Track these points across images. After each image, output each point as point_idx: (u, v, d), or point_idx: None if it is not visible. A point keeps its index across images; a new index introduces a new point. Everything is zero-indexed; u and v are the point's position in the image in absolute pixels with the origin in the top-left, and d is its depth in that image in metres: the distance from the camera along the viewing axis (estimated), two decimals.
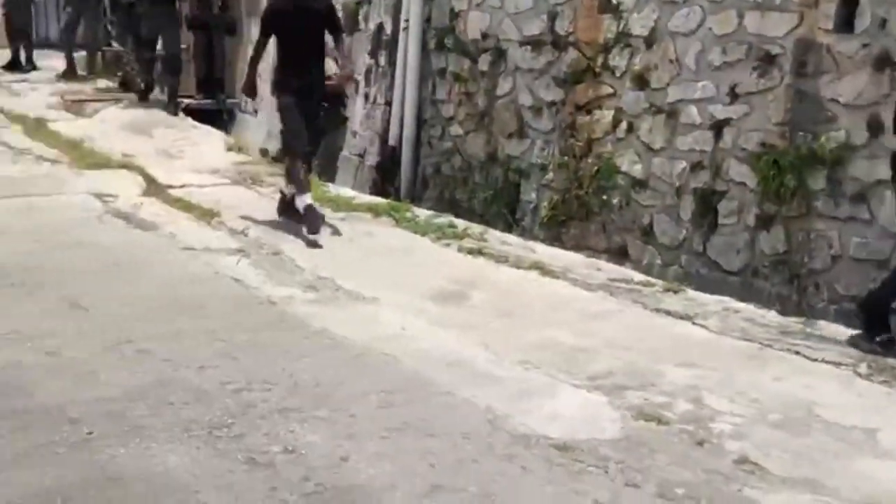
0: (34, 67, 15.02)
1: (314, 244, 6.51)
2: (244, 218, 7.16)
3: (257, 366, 4.53)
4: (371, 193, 8.54)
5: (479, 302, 5.62)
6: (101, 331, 4.95)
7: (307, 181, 6.91)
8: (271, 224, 7.07)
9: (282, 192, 7.12)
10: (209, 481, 3.48)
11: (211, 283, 5.84)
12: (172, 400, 4.14)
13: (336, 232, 6.82)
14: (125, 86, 12.46)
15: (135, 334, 4.89)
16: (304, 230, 6.62)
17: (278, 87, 6.94)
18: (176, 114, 11.15)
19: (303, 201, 6.73)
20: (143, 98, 11.65)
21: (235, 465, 3.60)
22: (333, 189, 8.40)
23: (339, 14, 9.78)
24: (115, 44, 14.42)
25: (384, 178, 9.03)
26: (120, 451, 3.69)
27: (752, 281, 6.22)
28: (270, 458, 3.66)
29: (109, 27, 14.35)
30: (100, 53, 14.30)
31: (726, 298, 5.64)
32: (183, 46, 11.55)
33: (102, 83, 13.75)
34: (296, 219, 6.80)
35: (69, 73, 14.01)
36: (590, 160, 7.29)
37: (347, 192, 8.34)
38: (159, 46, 11.50)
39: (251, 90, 7.36)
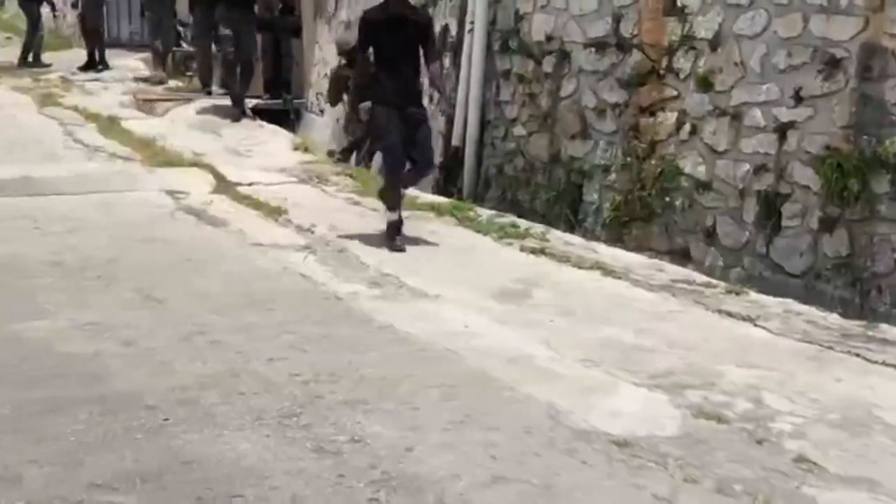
0: (107, 67, 15.38)
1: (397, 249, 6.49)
2: (311, 216, 7.31)
3: (324, 358, 4.66)
4: (434, 193, 8.65)
5: (541, 301, 5.70)
6: (174, 322, 5.11)
7: (400, 196, 6.73)
8: (337, 221, 7.22)
9: (388, 221, 6.79)
10: (279, 467, 3.61)
11: (279, 278, 5.99)
12: (243, 390, 4.29)
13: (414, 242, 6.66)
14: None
15: (207, 326, 5.05)
16: (386, 245, 6.55)
17: (375, 102, 6.71)
18: (239, 120, 11.16)
19: (390, 217, 6.68)
20: (239, 102, 11.49)
21: (304, 453, 3.73)
22: None
23: None
24: (184, 45, 14.70)
25: (447, 179, 9.14)
26: (194, 437, 3.83)
27: (815, 284, 6.22)
28: (338, 447, 3.78)
29: (181, 29, 14.62)
30: (170, 54, 14.54)
31: (788, 301, 5.66)
32: None
33: (173, 83, 14.06)
34: (392, 243, 6.62)
35: (159, 73, 14.22)
36: (653, 162, 7.33)
37: (411, 191, 8.45)
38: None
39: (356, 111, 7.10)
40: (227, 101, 11.70)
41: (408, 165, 6.79)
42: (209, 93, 12.40)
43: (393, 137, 6.62)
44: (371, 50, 6.69)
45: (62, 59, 16.64)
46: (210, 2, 11.12)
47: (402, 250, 6.47)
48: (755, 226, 6.62)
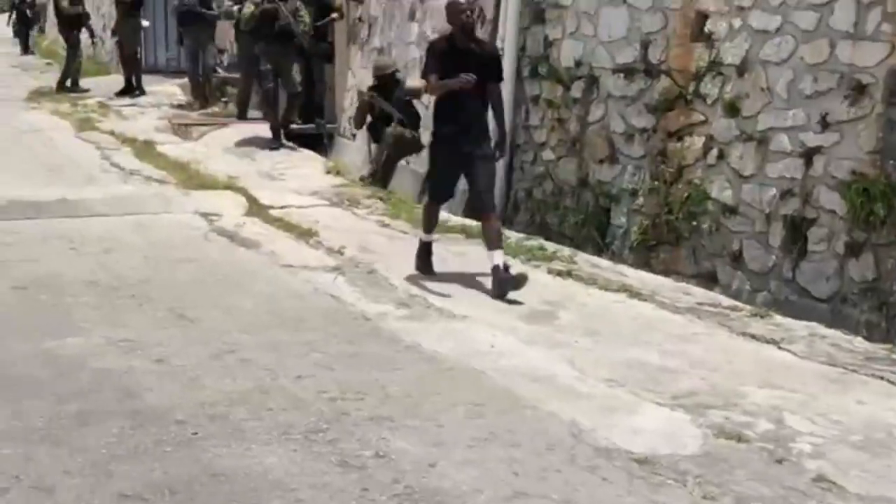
0: (143, 93, 15.63)
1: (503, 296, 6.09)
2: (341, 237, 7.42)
3: (351, 376, 4.74)
4: (464, 216, 8.72)
5: (568, 322, 5.76)
6: (205, 340, 5.22)
7: (499, 235, 6.42)
8: (367, 243, 7.32)
9: (420, 240, 6.72)
10: (305, 480, 3.69)
11: (309, 298, 6.09)
12: (271, 406, 4.38)
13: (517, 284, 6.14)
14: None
15: (237, 344, 5.15)
16: (492, 290, 6.18)
17: (435, 136, 6.60)
18: (277, 149, 11.18)
19: (423, 237, 6.66)
20: (278, 134, 11.44)
21: (329, 467, 3.81)
22: None
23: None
24: (220, 71, 14.91)
25: None
26: (222, 451, 3.93)
27: (842, 308, 6.23)
28: (362, 462, 3.85)
29: (217, 56, 14.82)
30: (207, 80, 14.73)
31: (813, 324, 5.68)
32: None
33: (208, 108, 14.26)
34: (422, 263, 6.60)
35: (199, 101, 14.36)
36: (680, 186, 7.38)
37: (441, 213, 8.54)
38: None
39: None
40: (261, 126, 11.88)
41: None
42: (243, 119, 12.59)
43: (443, 176, 6.58)
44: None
45: (100, 84, 16.96)
46: (251, 34, 11.18)
47: (431, 273, 6.53)
48: (782, 250, 6.64)
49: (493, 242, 6.31)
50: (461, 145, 6.34)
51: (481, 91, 6.33)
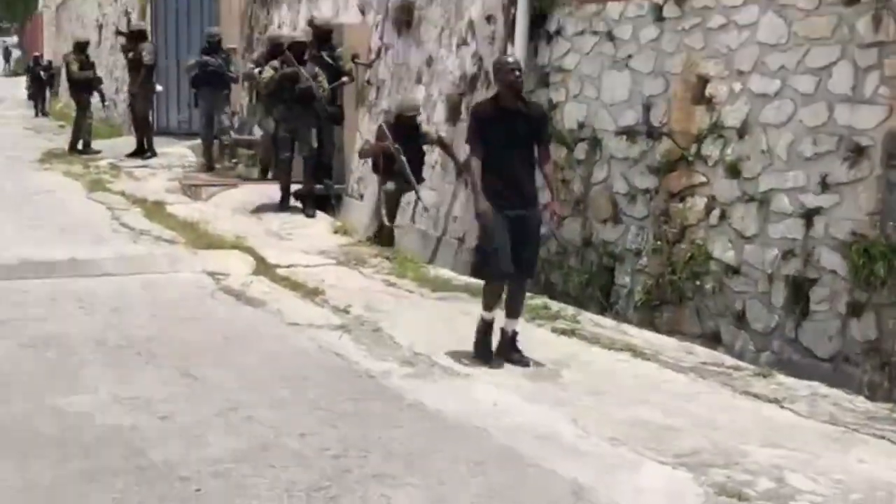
0: (154, 154, 15.79)
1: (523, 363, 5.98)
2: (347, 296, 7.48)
3: (355, 434, 4.78)
4: (469, 275, 8.79)
5: (571, 380, 5.79)
6: (210, 398, 5.27)
7: (522, 305, 6.23)
8: (373, 302, 7.38)
9: (482, 319, 6.19)
10: None
11: (314, 356, 6.14)
12: (275, 463, 4.41)
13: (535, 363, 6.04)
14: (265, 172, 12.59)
15: (242, 402, 5.19)
16: (513, 360, 6.03)
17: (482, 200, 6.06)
18: (313, 215, 11.08)
19: (485, 315, 6.12)
20: (286, 199, 11.38)
21: None
22: (433, 270, 8.71)
23: (444, 104, 10.27)
24: (232, 133, 15.05)
25: (482, 261, 9.26)
26: None
27: (844, 367, 6.25)
28: None
29: (228, 117, 14.96)
30: (217, 141, 14.87)
31: (815, 383, 5.72)
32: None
33: (218, 166, 14.42)
34: (482, 349, 6.15)
35: (211, 162, 14.38)
36: (683, 246, 7.44)
37: (446, 272, 8.64)
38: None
39: (483, 203, 5.94)
40: (271, 186, 11.99)
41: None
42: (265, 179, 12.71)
43: (498, 241, 5.99)
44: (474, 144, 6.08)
45: (113, 146, 17.19)
46: (270, 97, 11.16)
47: (490, 359, 6.02)
48: (784, 310, 6.68)
49: (515, 311, 6.16)
50: (511, 209, 5.97)
51: (529, 152, 6.09)
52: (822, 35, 6.45)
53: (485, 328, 6.14)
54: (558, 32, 8.85)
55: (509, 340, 6.12)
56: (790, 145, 6.68)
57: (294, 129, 11.06)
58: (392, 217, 10.15)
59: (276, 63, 11.08)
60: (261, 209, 11.43)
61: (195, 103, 15.00)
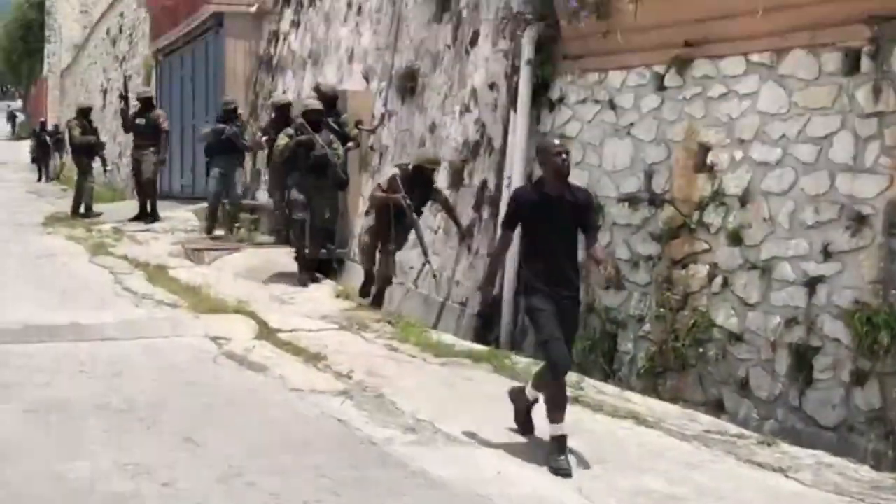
0: (157, 219, 15.85)
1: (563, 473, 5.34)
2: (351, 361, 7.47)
3: (357, 502, 4.75)
4: (472, 341, 8.80)
5: (575, 448, 5.75)
6: (212, 464, 5.24)
7: (565, 401, 5.61)
8: (375, 367, 7.37)
9: (526, 396, 5.93)
10: None
11: (316, 422, 6.12)
12: None
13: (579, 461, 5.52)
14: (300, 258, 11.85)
15: (244, 468, 5.16)
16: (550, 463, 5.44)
17: (527, 289, 5.78)
18: (307, 285, 10.93)
19: (554, 430, 5.55)
20: (308, 272, 11.17)
21: None
22: (435, 335, 8.71)
23: (447, 170, 10.34)
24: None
25: (485, 326, 9.29)
26: None
27: (849, 437, 6.22)
28: None
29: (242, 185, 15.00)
30: (220, 205, 14.93)
31: (819, 452, 5.69)
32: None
33: (220, 233, 14.49)
34: (524, 427, 5.92)
35: (209, 229, 14.31)
36: (686, 313, 7.45)
37: (449, 338, 8.64)
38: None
39: (490, 285, 6.02)
40: (274, 250, 12.03)
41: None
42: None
43: (552, 328, 5.57)
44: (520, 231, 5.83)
45: (115, 209, 17.27)
46: (285, 164, 11.05)
47: (568, 474, 5.31)
48: (788, 378, 6.67)
49: (557, 410, 5.53)
50: (557, 293, 5.61)
51: (574, 241, 5.75)
52: (823, 105, 6.53)
53: (558, 444, 5.46)
54: (561, 100, 8.97)
55: (559, 448, 5.46)
56: (792, 213, 6.72)
57: (310, 196, 10.91)
58: (386, 279, 10.06)
59: (290, 130, 10.97)
60: (263, 273, 11.47)
61: (207, 171, 14.85)
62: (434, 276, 9.91)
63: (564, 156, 5.69)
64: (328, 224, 11.92)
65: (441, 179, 10.38)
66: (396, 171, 9.91)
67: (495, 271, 5.82)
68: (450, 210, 9.90)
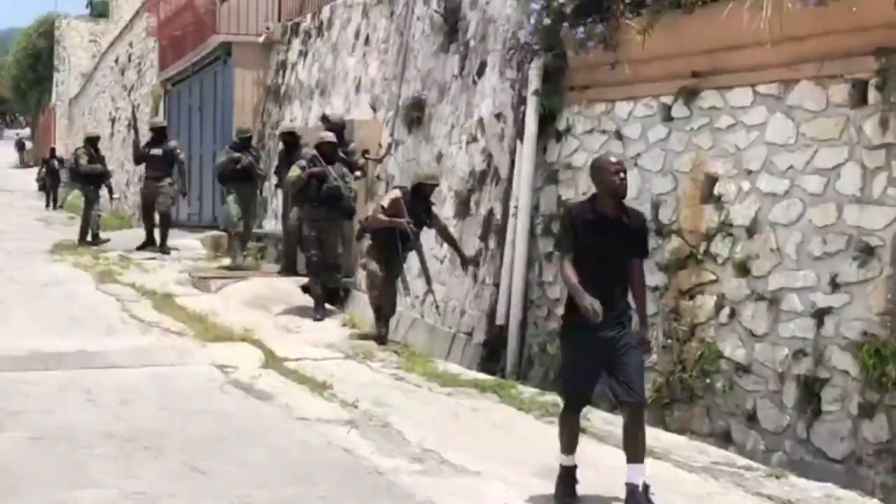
0: (168, 251, 15.58)
1: None
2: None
3: None
4: (478, 370, 8.78)
5: (582, 479, 5.71)
6: (217, 494, 5.23)
7: (643, 441, 5.23)
8: (381, 396, 7.35)
9: (560, 465, 5.41)
10: None
11: (322, 452, 6.10)
12: None
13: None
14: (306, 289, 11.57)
15: (249, 498, 5.15)
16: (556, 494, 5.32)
17: (568, 319, 5.27)
18: (321, 319, 10.73)
19: (563, 460, 5.33)
20: (322, 307, 10.94)
21: None
22: (441, 364, 8.70)
23: (453, 200, 10.36)
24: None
25: (491, 356, 9.27)
26: None
27: (857, 469, 6.18)
28: None
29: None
30: (226, 233, 14.89)
31: (828, 485, 5.65)
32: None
33: (227, 261, 14.50)
34: (562, 493, 5.35)
35: (236, 257, 13.98)
36: (693, 344, 7.43)
37: (455, 367, 8.63)
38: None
39: (595, 310, 4.96)
40: (279, 279, 12.02)
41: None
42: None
43: (576, 374, 5.27)
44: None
45: (123, 237, 17.29)
46: (297, 196, 10.93)
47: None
48: (796, 410, 6.64)
49: (636, 451, 5.15)
50: (601, 331, 5.08)
51: (624, 266, 5.27)
52: (830, 136, 6.54)
53: (566, 477, 5.31)
54: (568, 130, 8.99)
55: (640, 498, 5.10)
56: (799, 245, 6.71)
57: (321, 228, 10.72)
58: (392, 308, 9.93)
59: (303, 161, 10.83)
60: (269, 301, 11.46)
61: (222, 199, 14.69)
62: (436, 306, 9.79)
63: (622, 174, 5.27)
64: (338, 258, 11.90)
65: (447, 209, 10.40)
66: (398, 192, 9.74)
67: (581, 291, 5.04)
68: (449, 238, 9.75)
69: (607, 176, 5.26)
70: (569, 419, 5.39)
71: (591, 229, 5.18)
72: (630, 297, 5.36)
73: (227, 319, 10.33)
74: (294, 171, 10.81)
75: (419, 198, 9.57)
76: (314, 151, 10.90)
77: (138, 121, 18.85)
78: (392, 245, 9.52)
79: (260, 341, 9.23)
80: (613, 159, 5.38)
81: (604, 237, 5.17)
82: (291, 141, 12.68)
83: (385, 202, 9.67)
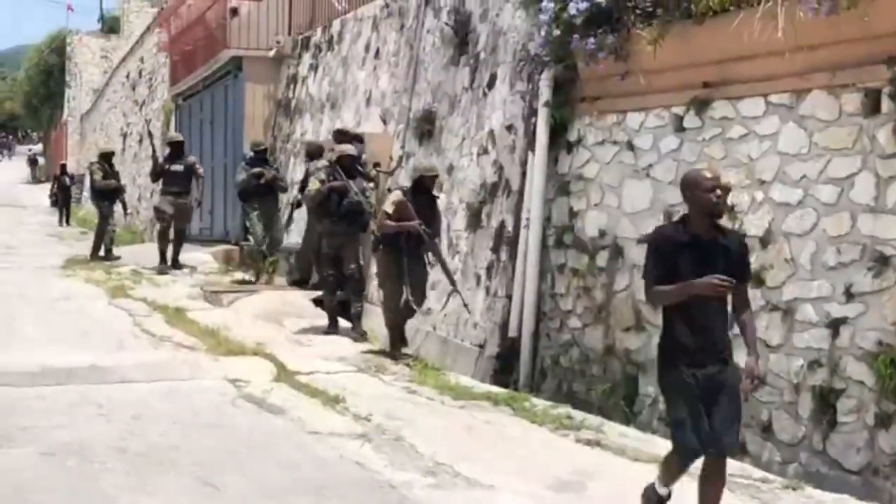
0: (178, 268, 15.51)
1: None
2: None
3: None
4: (490, 383, 8.75)
5: (597, 492, 5.70)
6: None
7: (717, 490, 4.92)
8: (394, 410, 7.32)
9: (654, 490, 5.15)
10: None
11: (335, 466, 6.08)
12: None
13: None
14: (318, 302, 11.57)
15: None
16: None
17: (664, 356, 4.82)
18: (365, 337, 10.46)
19: (659, 488, 5.07)
20: (335, 323, 10.81)
21: None
22: (454, 377, 8.67)
23: (464, 212, 10.35)
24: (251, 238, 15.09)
25: (503, 369, 9.24)
26: None
27: (873, 480, 6.13)
28: None
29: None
30: (238, 247, 14.87)
31: (845, 496, 5.61)
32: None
33: (238, 275, 14.52)
34: None
35: (256, 275, 14.01)
36: None
37: (467, 380, 8.60)
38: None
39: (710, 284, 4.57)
40: (290, 292, 12.00)
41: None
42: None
43: (684, 412, 4.70)
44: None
45: (135, 252, 17.31)
46: (316, 210, 10.70)
47: None
48: (811, 421, 6.59)
49: (708, 499, 4.89)
50: (700, 367, 4.68)
51: (724, 296, 4.75)
52: (843, 145, 6.50)
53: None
54: (579, 142, 8.98)
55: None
56: (813, 255, 6.67)
57: (340, 245, 10.45)
58: (408, 315, 9.74)
59: (322, 175, 10.59)
60: (281, 315, 11.46)
61: (243, 217, 14.54)
62: (465, 304, 9.43)
63: (719, 192, 4.74)
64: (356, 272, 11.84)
65: (458, 221, 10.39)
66: (399, 193, 9.46)
67: (684, 284, 4.61)
68: (437, 253, 9.43)
69: (702, 193, 4.72)
70: (680, 468, 4.94)
71: (684, 254, 4.65)
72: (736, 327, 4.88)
73: (239, 333, 10.32)
74: (314, 185, 10.59)
75: (422, 192, 9.34)
76: (325, 162, 10.85)
77: (153, 136, 18.85)
78: (401, 250, 9.25)
79: (272, 355, 9.21)
80: (709, 174, 4.81)
81: (701, 263, 4.62)
82: (318, 154, 12.58)
83: (388, 207, 9.35)
